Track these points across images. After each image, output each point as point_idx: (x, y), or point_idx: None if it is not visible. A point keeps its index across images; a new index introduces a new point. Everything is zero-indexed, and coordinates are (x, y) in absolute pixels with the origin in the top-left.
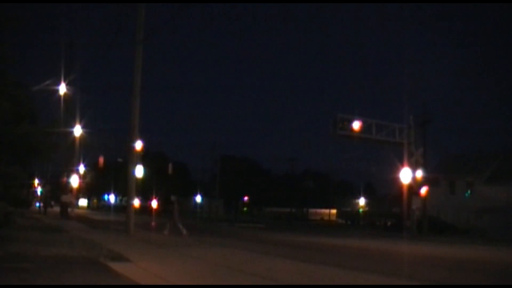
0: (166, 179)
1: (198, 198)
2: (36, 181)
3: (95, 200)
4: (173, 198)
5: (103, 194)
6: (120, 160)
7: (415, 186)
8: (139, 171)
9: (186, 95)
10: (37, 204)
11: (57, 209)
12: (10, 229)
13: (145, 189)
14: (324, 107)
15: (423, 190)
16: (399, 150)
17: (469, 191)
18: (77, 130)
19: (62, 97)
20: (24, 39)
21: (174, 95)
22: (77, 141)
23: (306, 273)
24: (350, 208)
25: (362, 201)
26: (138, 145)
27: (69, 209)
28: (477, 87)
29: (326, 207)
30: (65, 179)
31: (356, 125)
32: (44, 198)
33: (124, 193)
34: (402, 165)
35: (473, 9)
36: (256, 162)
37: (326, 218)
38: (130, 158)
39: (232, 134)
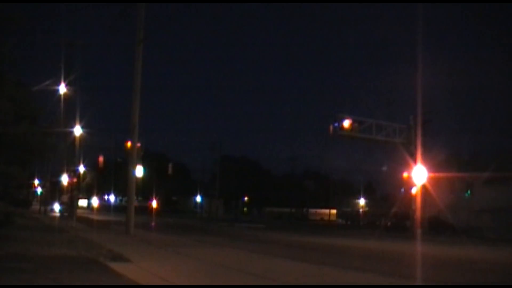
0: (166, 179)
1: (198, 198)
2: (36, 181)
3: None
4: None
5: (103, 194)
6: (120, 160)
7: (415, 186)
8: (139, 171)
9: (186, 95)
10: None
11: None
12: (10, 229)
13: (145, 189)
14: (324, 107)
15: (423, 190)
16: (399, 150)
17: (469, 191)
18: (77, 130)
19: (62, 97)
20: (24, 39)
21: (174, 95)
22: (77, 141)
23: (306, 273)
24: (350, 208)
25: (362, 201)
26: (138, 145)
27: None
28: (477, 87)
29: (326, 207)
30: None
31: (356, 125)
32: (44, 198)
33: (124, 193)
34: (402, 165)
35: (473, 9)
36: (256, 162)
37: (326, 218)
38: (130, 158)
39: (232, 134)
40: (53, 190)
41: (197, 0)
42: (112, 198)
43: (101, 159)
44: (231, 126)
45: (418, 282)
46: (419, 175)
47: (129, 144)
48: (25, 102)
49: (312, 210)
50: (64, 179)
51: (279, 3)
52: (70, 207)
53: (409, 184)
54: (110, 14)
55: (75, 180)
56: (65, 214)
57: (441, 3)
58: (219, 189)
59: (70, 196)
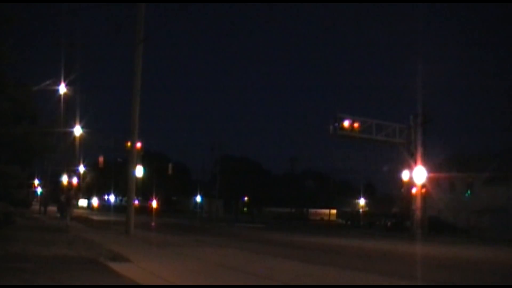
0: (166, 179)
1: (198, 198)
2: (36, 181)
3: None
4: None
5: (103, 194)
6: (120, 160)
7: (415, 186)
8: (139, 171)
9: (186, 95)
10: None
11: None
12: (10, 229)
13: (145, 189)
14: (324, 107)
15: (423, 190)
16: (399, 150)
17: (469, 191)
18: (77, 130)
19: (62, 97)
20: (24, 39)
21: (174, 95)
22: (77, 141)
23: (306, 273)
24: (350, 208)
25: (362, 201)
26: (138, 145)
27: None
28: (477, 87)
29: (326, 207)
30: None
31: (356, 125)
32: (44, 198)
33: (124, 193)
34: (402, 165)
35: (474, 9)
36: (256, 162)
37: (326, 218)
38: (130, 158)
39: (232, 134)
40: (55, 190)
41: (197, 0)
42: (112, 198)
43: (101, 159)
44: (231, 126)
45: (418, 282)
46: (419, 175)
47: (129, 144)
48: (25, 102)
49: (312, 210)
50: (65, 179)
51: (279, 3)
52: (66, 206)
53: (409, 184)
54: (110, 14)
55: (74, 180)
56: (64, 214)
57: (441, 3)
58: (219, 189)
59: (65, 196)
